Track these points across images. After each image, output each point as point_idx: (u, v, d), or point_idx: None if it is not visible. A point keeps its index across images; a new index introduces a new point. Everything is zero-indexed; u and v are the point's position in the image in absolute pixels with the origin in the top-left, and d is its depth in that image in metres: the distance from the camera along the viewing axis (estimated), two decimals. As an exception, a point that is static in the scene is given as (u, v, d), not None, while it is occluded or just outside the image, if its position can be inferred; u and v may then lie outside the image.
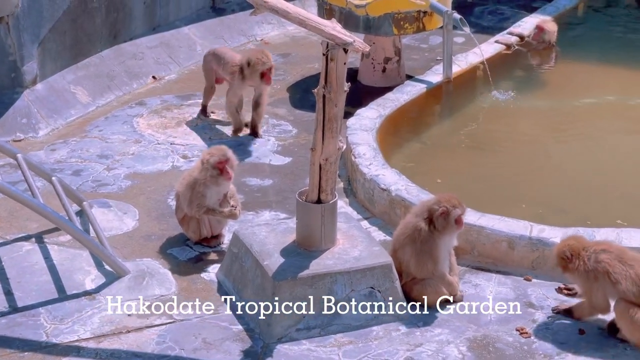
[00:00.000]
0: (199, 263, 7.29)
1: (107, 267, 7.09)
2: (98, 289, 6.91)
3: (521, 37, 11.41)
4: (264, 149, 9.07)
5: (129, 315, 6.64)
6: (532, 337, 6.45)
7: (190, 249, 7.45)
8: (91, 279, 7.03)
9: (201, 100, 9.74)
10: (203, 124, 9.53)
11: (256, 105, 9.24)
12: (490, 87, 10.26)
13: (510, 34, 11.49)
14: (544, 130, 9.55)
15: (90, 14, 10.17)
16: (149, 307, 6.72)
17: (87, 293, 6.87)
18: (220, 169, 7.17)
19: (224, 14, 11.99)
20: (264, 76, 8.92)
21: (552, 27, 11.43)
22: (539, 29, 11.36)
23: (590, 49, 11.66)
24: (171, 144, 9.13)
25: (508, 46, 11.23)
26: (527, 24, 11.72)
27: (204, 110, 9.72)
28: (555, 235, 7.10)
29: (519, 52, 11.30)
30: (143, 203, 8.08)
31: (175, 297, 6.84)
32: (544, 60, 11.35)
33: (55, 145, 9.10)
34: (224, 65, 9.26)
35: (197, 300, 6.82)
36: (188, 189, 7.25)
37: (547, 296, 6.89)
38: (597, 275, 6.30)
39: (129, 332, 6.47)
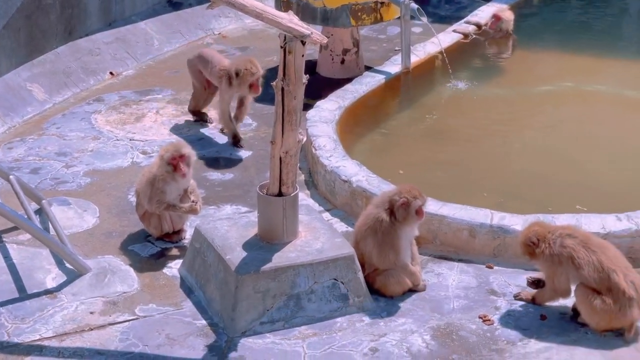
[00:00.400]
0: (161, 259, 7.26)
1: (68, 265, 7.04)
2: (59, 288, 6.86)
3: (478, 26, 11.46)
4: (225, 143, 9.04)
5: (91, 313, 6.59)
6: (495, 324, 6.49)
7: (152, 245, 7.41)
8: (52, 277, 6.98)
9: (162, 96, 9.67)
10: (163, 120, 9.48)
11: (240, 104, 9.13)
12: (448, 77, 10.30)
13: (468, 23, 11.54)
14: (503, 119, 9.60)
15: (44, 10, 10.08)
16: (111, 305, 6.68)
17: (48, 292, 6.82)
18: (174, 165, 7.13)
19: (181, 8, 11.94)
20: (252, 86, 8.79)
21: (508, 15, 11.49)
22: (496, 18, 11.41)
23: (546, 37, 11.74)
24: (130, 140, 9.08)
25: (466, 35, 11.28)
26: (484, 13, 11.78)
27: (196, 114, 9.41)
28: (515, 222, 7.14)
29: (477, 41, 11.35)
30: (103, 200, 8.03)
31: (137, 294, 6.81)
32: (501, 49, 11.40)
33: (12, 144, 9.01)
34: (211, 69, 9.09)
35: (160, 296, 6.79)
36: (148, 185, 7.21)
37: (509, 283, 6.93)
38: (562, 259, 6.35)
39: (91, 330, 6.43)
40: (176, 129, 9.32)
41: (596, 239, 6.45)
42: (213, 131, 9.26)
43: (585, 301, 6.30)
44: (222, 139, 9.09)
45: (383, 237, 6.64)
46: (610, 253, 6.33)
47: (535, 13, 12.57)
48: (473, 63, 10.99)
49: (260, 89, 8.85)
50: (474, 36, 11.31)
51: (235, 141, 8.98)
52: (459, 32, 11.25)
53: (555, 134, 9.29)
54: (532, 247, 6.46)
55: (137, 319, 6.55)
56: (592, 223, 7.09)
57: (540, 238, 6.43)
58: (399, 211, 6.64)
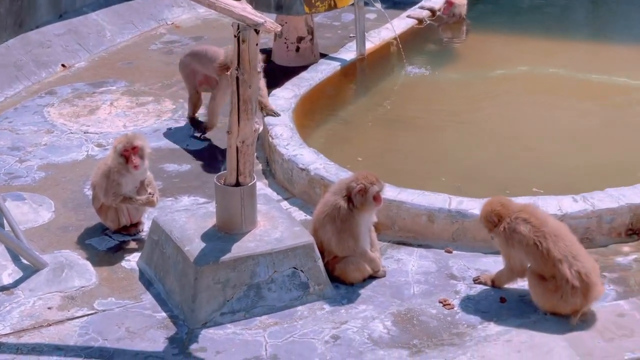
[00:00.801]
0: (119, 252, 7.20)
1: (24, 260, 6.96)
2: (16, 284, 6.78)
3: (432, 12, 11.48)
4: (181, 134, 8.98)
5: (49, 308, 6.53)
6: (456, 308, 6.51)
7: (110, 238, 7.35)
8: (8, 273, 6.89)
9: (116, 87, 9.58)
10: (117, 112, 9.40)
11: None
12: (404, 63, 10.31)
13: (422, 8, 11.55)
14: (459, 103, 9.63)
15: (-6, 3, 9.96)
16: (69, 299, 6.62)
17: (4, 288, 6.74)
18: (126, 157, 7.07)
19: (133, -2, 11.85)
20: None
21: (461, 0, 11.51)
22: (449, 3, 11.44)
23: (500, 21, 11.78)
24: (85, 132, 8.99)
25: (420, 21, 11.29)
26: (436, -1, 11.81)
27: (193, 122, 9.08)
28: (473, 206, 7.17)
29: (431, 27, 11.37)
30: (58, 194, 7.94)
31: (96, 288, 6.75)
32: (455, 34, 11.44)
33: (-36, 139, 8.91)
34: (209, 64, 8.71)
35: (119, 289, 6.74)
36: (103, 178, 7.14)
37: (468, 267, 6.95)
38: (514, 243, 6.38)
39: (50, 325, 6.36)
40: (131, 121, 9.24)
41: (553, 222, 6.46)
42: (169, 122, 9.19)
43: (533, 284, 6.38)
44: (179, 130, 9.03)
45: (342, 224, 6.64)
46: (562, 240, 6.33)
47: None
48: (427, 48, 11.02)
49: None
50: (428, 21, 11.32)
51: (208, 128, 8.83)
52: (413, 18, 11.26)
53: (511, 118, 9.34)
54: (491, 225, 6.49)
55: (95, 313, 6.49)
56: (549, 205, 7.13)
57: (499, 219, 6.46)
58: (356, 198, 6.63)
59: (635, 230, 7.27)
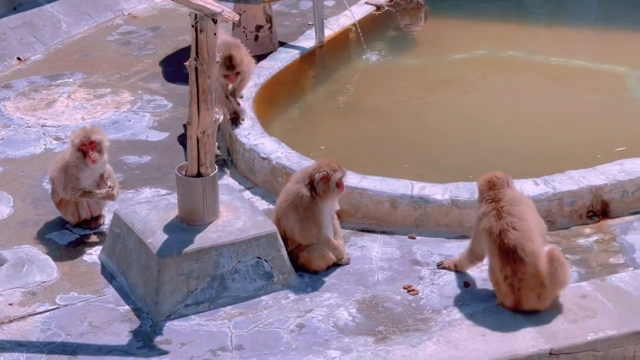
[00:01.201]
0: (80, 246, 7.14)
1: (-16, 257, 6.89)
2: (-24, 281, 6.71)
3: None
4: (140, 125, 8.92)
5: (10, 304, 6.46)
6: (420, 294, 6.52)
7: (70, 232, 7.28)
8: (-32, 270, 6.82)
9: (73, 80, 9.48)
10: (75, 104, 9.31)
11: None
12: (363, 49, 10.29)
13: None
14: (420, 89, 9.64)
15: (-54, -3, 9.82)
16: (30, 295, 6.55)
17: (-36, 285, 6.67)
18: (83, 151, 7.01)
19: (88, -11, 11.73)
20: (227, 76, 8.16)
21: None
22: None
23: (458, 5, 11.80)
24: (42, 126, 8.89)
25: (378, 7, 11.27)
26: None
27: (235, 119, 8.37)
28: (436, 192, 7.18)
29: (389, 13, 11.36)
30: (17, 189, 7.86)
31: (57, 283, 6.69)
32: (413, 20, 11.43)
33: None
34: None
35: (81, 283, 6.68)
36: (61, 172, 7.08)
37: (431, 252, 6.97)
38: (479, 229, 6.38)
39: (11, 321, 6.30)
40: (89, 113, 9.16)
41: (521, 217, 6.24)
42: (127, 114, 9.12)
43: (489, 270, 6.39)
44: (138, 122, 8.96)
45: (305, 212, 6.62)
46: (522, 235, 6.22)
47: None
48: (387, 35, 11.01)
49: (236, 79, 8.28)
50: (386, 8, 11.31)
51: (235, 118, 8.28)
52: (372, 4, 11.24)
53: (472, 102, 9.36)
54: (481, 194, 6.46)
55: (58, 308, 6.44)
56: (511, 189, 7.16)
57: (480, 198, 6.44)
58: (319, 185, 6.62)
59: (595, 212, 7.32)
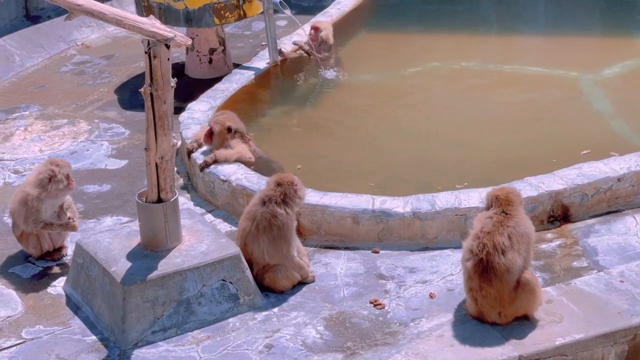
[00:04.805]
0: (44, 278, 7.09)
1: (-54, 295, 6.82)
2: (-60, 319, 6.64)
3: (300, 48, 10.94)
4: (99, 154, 8.88)
5: (-24, 341, 6.41)
6: (386, 308, 6.54)
7: (33, 265, 7.23)
8: None
9: (29, 112, 9.42)
10: (32, 137, 9.26)
11: None
12: (318, 67, 10.32)
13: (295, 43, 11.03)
14: (377, 103, 9.68)
15: None
16: (-4, 331, 6.50)
17: None
18: (69, 180, 7.07)
19: (40, 21, 11.68)
20: None
21: (327, 25, 10.71)
22: (315, 29, 10.67)
23: (409, 18, 11.88)
24: (0, 160, 8.83)
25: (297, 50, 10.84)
26: (346, 1, 11.84)
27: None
28: (397, 205, 7.21)
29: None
30: (-23, 224, 7.80)
31: (22, 317, 6.63)
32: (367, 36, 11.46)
33: None
34: None
35: (46, 316, 6.64)
36: (22, 205, 7.03)
37: (396, 266, 6.99)
38: (473, 229, 6.36)
39: (-22, 359, 6.25)
40: (47, 145, 9.11)
41: (513, 246, 6.17)
42: (85, 143, 9.09)
43: (462, 268, 6.39)
44: (96, 151, 8.93)
45: (279, 231, 6.61)
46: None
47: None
48: (340, 52, 11.04)
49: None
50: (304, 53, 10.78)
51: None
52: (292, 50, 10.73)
53: (429, 114, 9.43)
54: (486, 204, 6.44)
55: (24, 342, 6.38)
56: (471, 198, 7.21)
57: (490, 205, 6.38)
58: (294, 199, 6.64)
59: (556, 217, 7.39)
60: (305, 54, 10.34)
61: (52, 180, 7.01)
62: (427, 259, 7.02)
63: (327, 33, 10.52)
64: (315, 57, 10.30)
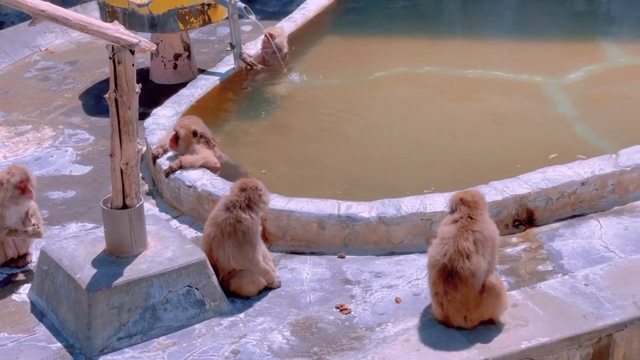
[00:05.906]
0: (8, 286, 7.04)
1: None
2: None
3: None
4: (63, 160, 8.83)
5: (-61, 350, 6.35)
6: (353, 313, 6.55)
7: (-3, 272, 7.19)
8: None
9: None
10: (-5, 142, 9.21)
11: None
12: (283, 71, 10.33)
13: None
14: (343, 108, 9.70)
15: None
16: (-41, 339, 6.45)
17: None
18: (21, 188, 6.95)
19: (3, 27, 11.60)
20: None
21: (280, 32, 10.64)
22: (270, 35, 10.70)
23: (374, 22, 11.91)
24: (-37, 166, 8.77)
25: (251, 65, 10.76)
26: (311, 6, 11.86)
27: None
28: (363, 210, 7.22)
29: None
30: (-60, 232, 7.72)
31: (-14, 325, 6.60)
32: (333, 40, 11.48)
33: None
34: None
35: (11, 323, 6.58)
36: (-15, 211, 6.99)
37: (362, 270, 7.00)
38: (439, 232, 6.36)
39: (-59, 367, 6.19)
40: (11, 151, 9.05)
41: (478, 250, 6.20)
42: (50, 149, 9.03)
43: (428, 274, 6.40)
44: (61, 157, 8.88)
45: (243, 236, 6.60)
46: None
47: (359, 0, 12.73)
48: (305, 56, 11.06)
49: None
50: (259, 66, 10.75)
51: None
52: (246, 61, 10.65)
53: (393, 118, 9.45)
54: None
55: (-12, 350, 6.34)
56: (437, 203, 7.23)
57: (454, 210, 6.37)
58: (259, 203, 6.64)
59: (521, 221, 7.43)
60: (248, 66, 10.24)
61: (3, 185, 6.96)
62: (393, 264, 7.04)
63: (282, 40, 10.49)
64: (257, 68, 10.24)
